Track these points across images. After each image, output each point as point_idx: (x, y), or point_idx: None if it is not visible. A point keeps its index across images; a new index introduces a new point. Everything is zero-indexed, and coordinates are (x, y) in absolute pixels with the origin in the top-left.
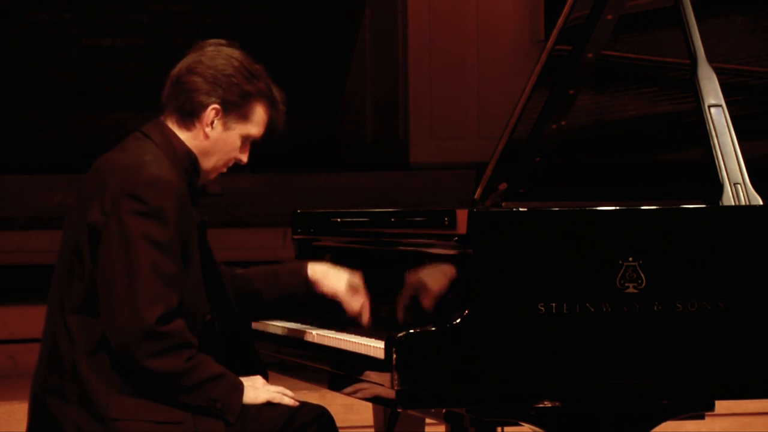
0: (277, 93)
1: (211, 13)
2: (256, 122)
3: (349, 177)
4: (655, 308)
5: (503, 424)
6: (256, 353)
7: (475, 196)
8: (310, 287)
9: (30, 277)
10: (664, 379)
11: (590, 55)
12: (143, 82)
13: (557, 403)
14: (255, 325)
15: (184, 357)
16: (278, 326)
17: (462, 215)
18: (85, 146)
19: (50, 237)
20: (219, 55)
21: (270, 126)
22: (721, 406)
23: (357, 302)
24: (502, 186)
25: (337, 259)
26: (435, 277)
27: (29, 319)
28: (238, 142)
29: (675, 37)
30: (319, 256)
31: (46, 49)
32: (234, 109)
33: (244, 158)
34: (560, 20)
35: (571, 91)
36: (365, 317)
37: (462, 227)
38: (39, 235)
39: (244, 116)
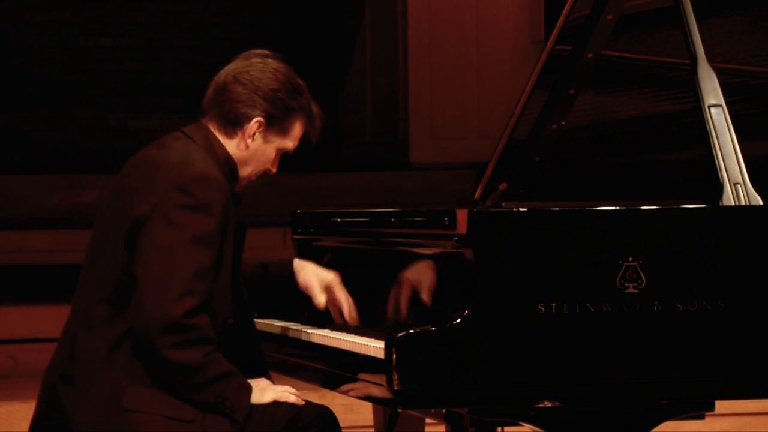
0: (315, 109)
1: (211, 13)
2: (293, 137)
3: (349, 177)
4: (655, 308)
5: (503, 424)
6: (263, 356)
7: (475, 196)
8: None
9: (30, 277)
10: (664, 379)
11: (590, 55)
12: (143, 82)
13: (557, 403)
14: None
15: (203, 352)
16: (278, 326)
17: (462, 215)
18: (85, 146)
19: (50, 237)
20: (266, 68)
21: (303, 140)
22: (721, 406)
23: (321, 299)
24: (502, 186)
25: (335, 259)
26: (432, 276)
27: (29, 319)
28: (273, 155)
29: (675, 37)
30: (319, 256)
31: (46, 49)
32: (276, 123)
33: (274, 169)
34: (560, 20)
35: (571, 91)
36: (335, 315)
37: (462, 227)
38: (39, 235)
39: (283, 130)
